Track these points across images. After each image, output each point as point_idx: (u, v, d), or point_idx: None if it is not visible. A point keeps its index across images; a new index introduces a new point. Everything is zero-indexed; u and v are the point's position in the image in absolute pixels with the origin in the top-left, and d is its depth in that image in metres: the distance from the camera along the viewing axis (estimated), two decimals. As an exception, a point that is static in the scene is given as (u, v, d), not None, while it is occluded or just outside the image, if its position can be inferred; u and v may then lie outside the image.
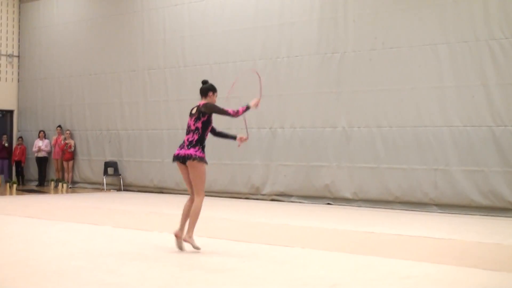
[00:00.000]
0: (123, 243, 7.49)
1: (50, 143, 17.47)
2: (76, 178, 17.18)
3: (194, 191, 6.82)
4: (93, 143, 16.75)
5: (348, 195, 12.24)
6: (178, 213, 7.20)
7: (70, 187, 16.71)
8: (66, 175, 17.01)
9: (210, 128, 6.92)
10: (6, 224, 9.26)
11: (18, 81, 18.72)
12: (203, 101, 6.95)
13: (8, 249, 6.96)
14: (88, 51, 16.89)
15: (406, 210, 11.42)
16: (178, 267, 6.00)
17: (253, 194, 13.57)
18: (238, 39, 13.91)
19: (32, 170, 18.04)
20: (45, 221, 9.65)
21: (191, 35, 14.75)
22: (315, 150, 12.67)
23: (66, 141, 16.96)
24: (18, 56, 18.71)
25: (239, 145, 7.34)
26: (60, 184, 16.17)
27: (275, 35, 13.27)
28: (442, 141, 11.19)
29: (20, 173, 17.92)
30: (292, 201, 12.92)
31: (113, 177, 16.17)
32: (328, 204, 12.43)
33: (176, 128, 14.82)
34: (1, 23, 18.43)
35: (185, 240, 6.77)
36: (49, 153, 17.54)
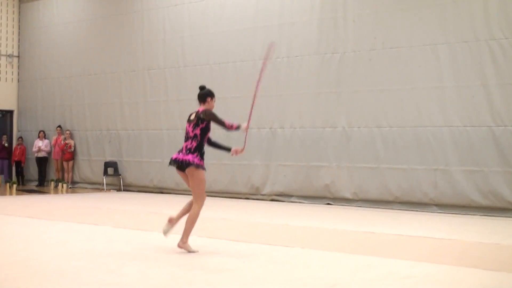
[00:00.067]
0: (123, 243, 7.49)
1: (50, 143, 17.47)
2: (76, 178, 17.18)
3: (193, 197, 6.78)
4: (93, 143, 16.75)
5: (348, 195, 12.24)
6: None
7: (70, 187, 16.71)
8: (66, 175, 17.01)
9: (208, 135, 6.83)
10: (6, 224, 9.25)
11: (18, 81, 18.71)
12: (202, 107, 6.86)
13: (8, 249, 6.96)
14: (88, 51, 16.89)
15: (406, 210, 11.42)
16: (178, 267, 6.00)
17: (253, 194, 13.57)
18: (238, 39, 13.91)
19: (32, 170, 18.04)
20: (45, 221, 9.65)
21: (191, 35, 14.75)
22: (315, 150, 12.66)
23: (66, 141, 16.96)
24: (18, 56, 18.71)
25: (232, 155, 7.11)
26: (60, 184, 16.17)
27: (275, 35, 13.26)
28: (442, 141, 11.19)
29: (20, 173, 17.92)
30: (292, 201, 12.92)
31: (113, 177, 16.17)
32: (328, 204, 12.43)
33: (176, 128, 14.82)
34: (1, 23, 18.43)
35: (179, 246, 6.74)
36: (49, 153, 17.54)
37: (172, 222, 6.83)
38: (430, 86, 11.33)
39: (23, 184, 17.71)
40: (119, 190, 16.00)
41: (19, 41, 18.74)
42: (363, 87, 12.09)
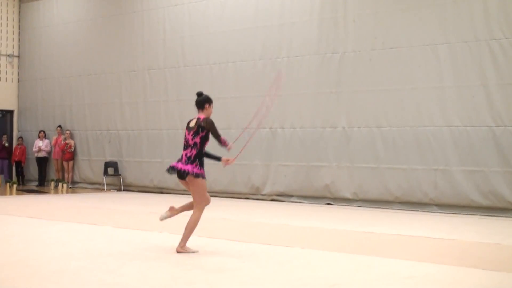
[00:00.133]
0: (123, 243, 7.49)
1: (50, 143, 17.47)
2: (76, 178, 17.18)
3: (193, 203, 6.79)
4: (93, 143, 16.75)
5: (348, 195, 12.24)
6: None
7: (70, 187, 16.71)
8: (66, 175, 17.01)
9: (207, 144, 6.76)
10: (6, 224, 9.25)
11: (18, 81, 18.71)
12: (201, 115, 6.77)
13: (8, 249, 6.96)
14: (88, 51, 16.89)
15: (406, 210, 11.42)
16: (178, 267, 6.00)
17: (253, 194, 13.57)
18: (238, 39, 13.91)
19: (32, 170, 18.04)
20: (45, 221, 9.65)
21: (191, 35, 14.75)
22: (315, 150, 12.67)
23: (66, 141, 16.96)
24: (18, 56, 18.71)
25: (224, 166, 7.06)
26: (60, 184, 16.17)
27: (275, 35, 13.27)
28: (442, 141, 11.19)
29: (20, 173, 17.92)
30: (292, 201, 12.92)
31: (113, 177, 16.17)
32: (328, 204, 12.43)
33: (176, 128, 14.82)
34: (1, 23, 18.43)
35: (178, 251, 6.73)
36: (49, 153, 17.54)
37: (172, 211, 6.94)
38: (430, 86, 11.33)
39: (23, 184, 17.71)
40: (119, 190, 16.00)
41: (19, 41, 18.74)
42: (363, 87, 12.09)
